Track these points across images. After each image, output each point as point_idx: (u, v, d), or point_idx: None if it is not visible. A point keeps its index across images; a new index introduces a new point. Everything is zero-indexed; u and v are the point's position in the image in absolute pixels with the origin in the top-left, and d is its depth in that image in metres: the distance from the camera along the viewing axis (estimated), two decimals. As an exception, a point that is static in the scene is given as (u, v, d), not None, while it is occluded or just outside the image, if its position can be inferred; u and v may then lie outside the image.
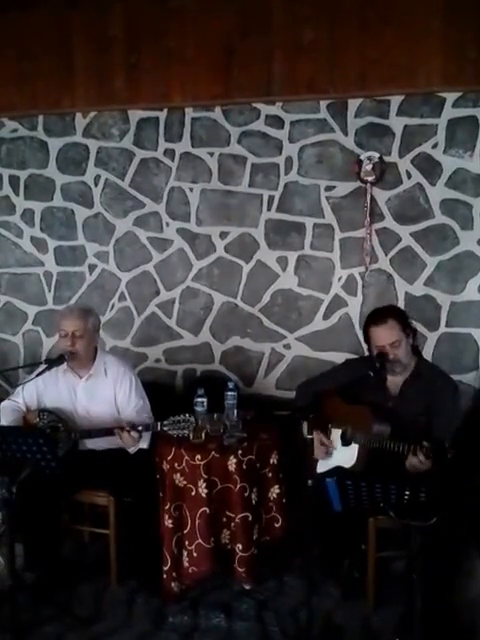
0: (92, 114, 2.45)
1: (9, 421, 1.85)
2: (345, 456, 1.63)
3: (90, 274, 2.54)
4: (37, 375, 1.84)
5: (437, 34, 2.07)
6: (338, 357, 2.27)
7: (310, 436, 1.49)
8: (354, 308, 2.30)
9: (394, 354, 1.61)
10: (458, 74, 2.09)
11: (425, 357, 1.91)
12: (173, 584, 1.73)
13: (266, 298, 2.38)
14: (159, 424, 1.70)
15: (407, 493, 1.20)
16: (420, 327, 2.19)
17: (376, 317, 1.67)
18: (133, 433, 1.69)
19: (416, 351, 1.74)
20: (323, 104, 2.24)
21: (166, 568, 1.73)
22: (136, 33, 2.29)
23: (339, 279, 2.32)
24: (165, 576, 1.73)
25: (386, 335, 1.62)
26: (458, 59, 2.08)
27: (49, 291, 2.59)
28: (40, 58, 2.38)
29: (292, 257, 2.34)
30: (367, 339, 1.70)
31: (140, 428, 1.71)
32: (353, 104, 2.22)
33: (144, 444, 1.77)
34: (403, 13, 2.08)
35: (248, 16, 2.19)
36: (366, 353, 1.82)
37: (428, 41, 2.08)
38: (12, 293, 2.62)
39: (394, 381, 1.70)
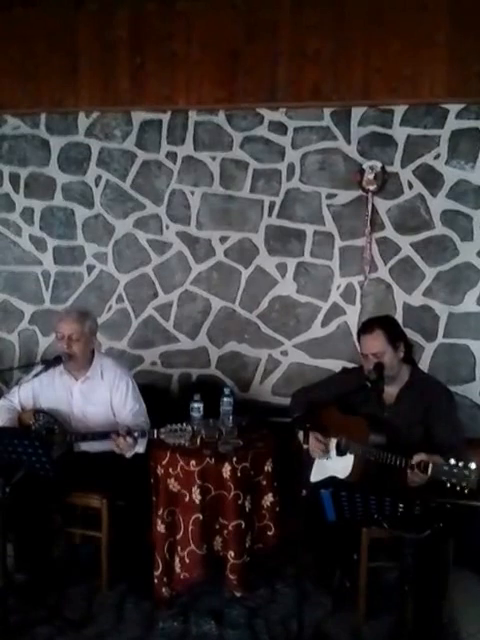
0: (95, 114, 2.44)
1: (4, 421, 1.85)
2: (340, 466, 1.64)
3: (88, 275, 2.53)
4: (34, 376, 1.83)
5: (442, 46, 2.08)
6: (335, 365, 2.28)
7: (306, 445, 1.49)
8: (352, 317, 2.30)
9: (377, 363, 1.63)
10: (462, 86, 2.10)
11: (422, 368, 1.92)
12: (164, 589, 1.73)
13: (264, 304, 2.38)
14: (156, 431, 1.70)
15: (401, 506, 1.20)
16: (418, 337, 2.21)
17: (365, 325, 1.73)
18: (129, 439, 1.68)
19: (411, 362, 1.74)
20: (327, 112, 2.25)
21: (157, 573, 1.73)
22: (142, 35, 2.29)
23: (338, 287, 2.32)
24: (156, 581, 1.73)
25: (370, 344, 1.65)
26: (462, 71, 2.09)
27: (46, 290, 2.57)
28: (45, 56, 2.36)
29: (291, 264, 2.34)
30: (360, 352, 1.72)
31: (136, 434, 1.70)
32: (357, 113, 2.22)
33: (140, 448, 1.76)
34: (408, 24, 2.09)
35: (254, 22, 2.19)
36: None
37: (433, 52, 2.09)
38: (9, 291, 2.61)
39: (389, 391, 1.71)
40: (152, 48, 2.28)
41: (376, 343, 1.64)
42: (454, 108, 2.15)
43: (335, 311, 2.32)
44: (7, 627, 1.52)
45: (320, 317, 2.34)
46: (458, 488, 1.23)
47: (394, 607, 1.52)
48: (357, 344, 1.77)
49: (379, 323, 1.70)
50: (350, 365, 2.19)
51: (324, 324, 2.34)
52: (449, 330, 2.24)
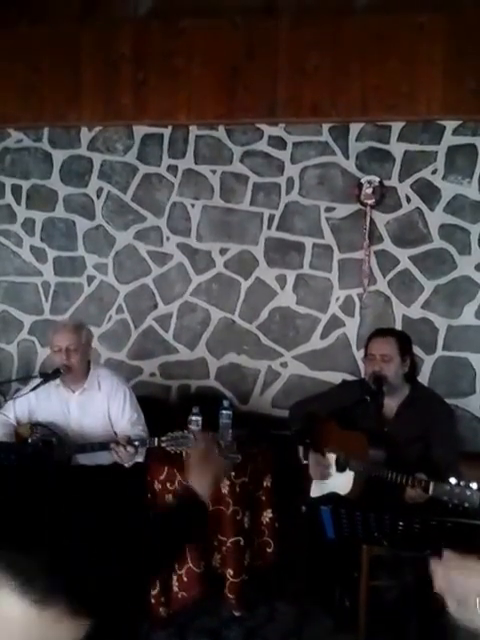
0: (97, 128, 2.47)
1: (0, 435, 1.83)
2: (340, 482, 1.62)
3: (88, 285, 2.54)
4: (32, 390, 1.81)
5: (438, 64, 2.13)
6: (335, 377, 2.27)
7: (306, 461, 1.47)
8: (351, 329, 2.30)
9: (381, 367, 1.63)
10: (458, 103, 2.14)
11: (421, 381, 1.92)
12: (161, 609, 1.69)
13: (264, 315, 2.38)
14: (156, 440, 1.67)
15: (401, 523, 1.19)
16: (417, 350, 2.20)
17: (380, 330, 1.76)
18: (129, 448, 1.66)
19: (411, 378, 1.74)
20: (325, 127, 2.28)
21: (154, 592, 1.69)
22: (144, 51, 2.33)
23: (337, 299, 2.32)
24: (153, 600, 1.69)
25: (381, 346, 1.67)
26: (458, 89, 2.13)
27: (46, 301, 2.57)
28: (49, 72, 2.40)
29: (291, 276, 2.35)
30: (366, 355, 1.72)
31: (137, 443, 1.68)
32: (355, 128, 2.26)
33: (140, 458, 1.74)
34: (406, 43, 2.14)
35: (254, 39, 2.24)
36: (363, 374, 1.82)
37: (429, 71, 2.13)
38: (9, 302, 2.61)
39: (389, 404, 1.70)
40: (154, 64, 2.32)
41: (387, 346, 1.66)
42: (450, 125, 2.19)
43: (334, 323, 2.32)
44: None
45: (319, 329, 2.34)
46: (460, 508, 1.22)
47: (395, 626, 1.49)
48: (364, 354, 1.75)
49: (394, 332, 1.74)
50: (350, 377, 2.19)
51: (323, 336, 2.34)
52: (448, 343, 2.24)
